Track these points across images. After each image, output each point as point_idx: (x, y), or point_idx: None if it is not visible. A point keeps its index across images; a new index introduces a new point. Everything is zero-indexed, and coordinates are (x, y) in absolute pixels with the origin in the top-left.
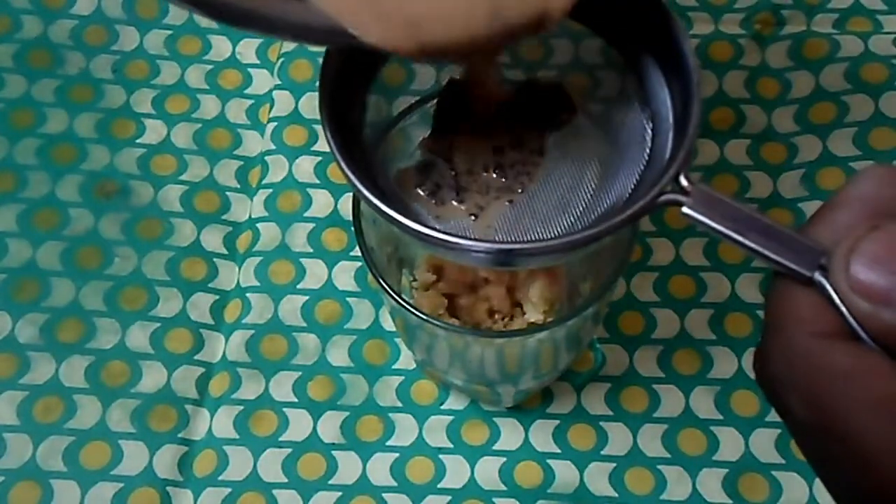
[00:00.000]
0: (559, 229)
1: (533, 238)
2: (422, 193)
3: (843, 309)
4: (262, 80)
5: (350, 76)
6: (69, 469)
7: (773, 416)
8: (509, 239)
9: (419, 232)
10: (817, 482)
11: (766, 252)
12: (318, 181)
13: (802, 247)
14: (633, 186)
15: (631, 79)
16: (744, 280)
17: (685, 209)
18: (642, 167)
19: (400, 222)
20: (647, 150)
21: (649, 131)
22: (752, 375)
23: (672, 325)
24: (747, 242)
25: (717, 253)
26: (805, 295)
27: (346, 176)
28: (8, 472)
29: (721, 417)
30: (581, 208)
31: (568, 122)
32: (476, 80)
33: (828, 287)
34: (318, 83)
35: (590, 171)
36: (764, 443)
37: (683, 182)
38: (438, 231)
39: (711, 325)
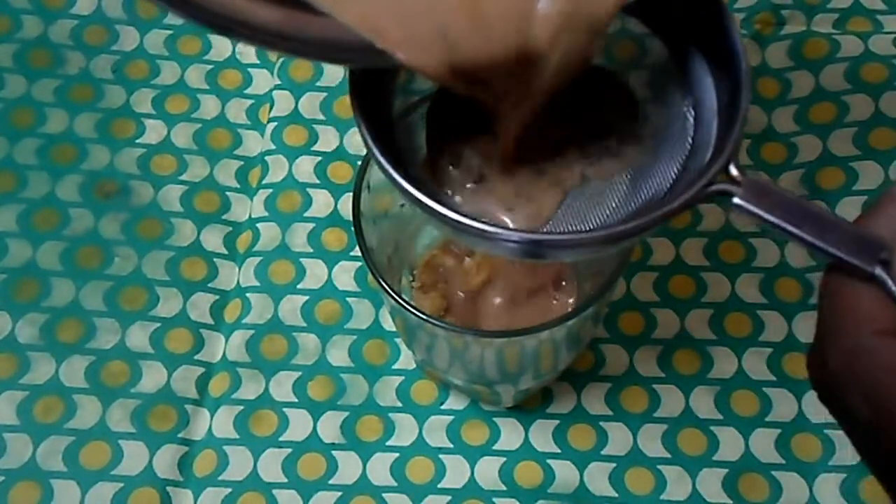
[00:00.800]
0: (594, 221)
1: (568, 229)
2: (453, 171)
3: None
4: (262, 80)
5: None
6: (69, 469)
7: (774, 416)
8: (542, 229)
9: (455, 220)
10: (817, 482)
11: (824, 245)
12: (318, 181)
13: (861, 240)
14: (673, 177)
15: (672, 64)
16: (744, 280)
17: (736, 200)
18: (684, 157)
19: (437, 211)
20: (690, 139)
21: (691, 119)
22: (752, 375)
23: (672, 325)
24: (803, 235)
25: (718, 253)
26: (866, 291)
27: (381, 166)
28: (8, 472)
29: (721, 417)
30: (618, 200)
31: (634, 118)
32: (506, 126)
33: (890, 283)
34: (348, 73)
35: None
36: (764, 443)
37: (734, 171)
38: (475, 220)
39: (711, 325)
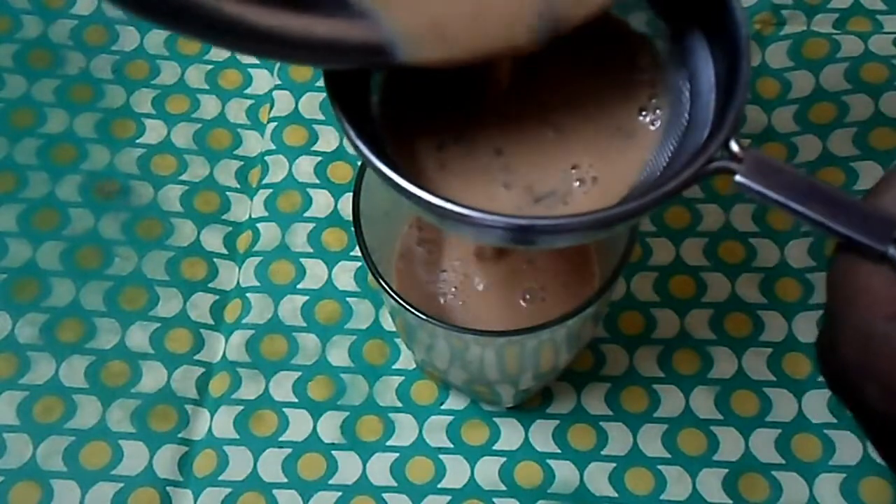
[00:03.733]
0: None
1: (562, 213)
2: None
3: None
4: (262, 80)
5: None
6: (69, 469)
7: (774, 416)
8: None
9: (435, 205)
10: (817, 482)
11: (833, 225)
12: (318, 181)
13: (872, 219)
14: (669, 156)
15: (665, 34)
16: (744, 280)
17: (738, 177)
18: (680, 134)
19: (415, 195)
20: (686, 116)
21: (687, 94)
22: (752, 375)
23: (672, 325)
24: (810, 213)
25: (717, 253)
26: (877, 272)
27: (357, 147)
28: (8, 472)
29: (721, 417)
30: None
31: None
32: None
33: None
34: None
35: None
36: (764, 443)
37: (734, 147)
38: (456, 204)
39: (711, 325)
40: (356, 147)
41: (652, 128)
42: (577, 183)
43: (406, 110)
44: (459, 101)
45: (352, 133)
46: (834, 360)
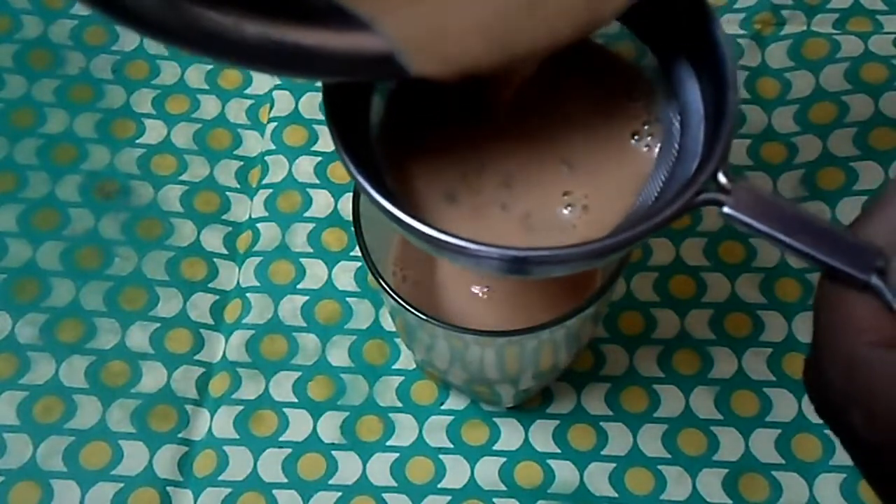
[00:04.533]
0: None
1: (557, 244)
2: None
3: None
4: (262, 80)
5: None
6: (69, 469)
7: (774, 416)
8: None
9: (429, 235)
10: (817, 482)
11: (817, 255)
12: (318, 181)
13: (855, 248)
14: (660, 186)
15: (655, 67)
16: (744, 280)
17: (726, 209)
18: (671, 164)
19: (409, 225)
20: (676, 146)
21: (677, 125)
22: (752, 375)
23: (672, 325)
24: (796, 245)
25: (718, 253)
26: (861, 301)
27: (352, 174)
28: (8, 472)
29: (721, 417)
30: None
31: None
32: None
33: (886, 292)
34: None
35: None
36: (764, 443)
37: (722, 180)
38: (449, 235)
39: (711, 325)
40: (353, 176)
41: (644, 155)
42: (569, 211)
43: (405, 138)
44: (459, 129)
45: (350, 165)
46: (820, 385)
